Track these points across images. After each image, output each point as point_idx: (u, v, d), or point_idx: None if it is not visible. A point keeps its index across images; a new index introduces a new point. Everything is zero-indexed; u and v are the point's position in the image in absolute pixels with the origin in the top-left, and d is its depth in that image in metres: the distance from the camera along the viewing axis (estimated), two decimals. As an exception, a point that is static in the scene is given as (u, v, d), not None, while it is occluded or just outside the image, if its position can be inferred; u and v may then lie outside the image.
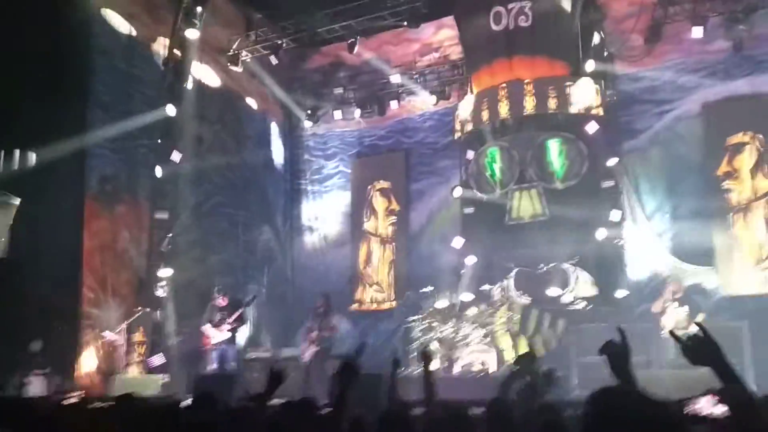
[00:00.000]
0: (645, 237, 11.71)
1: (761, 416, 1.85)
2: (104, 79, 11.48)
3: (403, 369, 7.85)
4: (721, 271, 11.00)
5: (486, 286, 11.12)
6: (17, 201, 9.74)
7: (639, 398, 1.54)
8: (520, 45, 12.20)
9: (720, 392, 1.91)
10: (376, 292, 13.95)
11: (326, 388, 9.60)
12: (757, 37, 11.12)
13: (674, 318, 9.15)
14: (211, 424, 3.25)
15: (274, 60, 13.56)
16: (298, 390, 8.62)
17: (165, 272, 11.59)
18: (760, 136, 11.20)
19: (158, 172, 11.87)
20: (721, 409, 1.93)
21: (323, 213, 15.03)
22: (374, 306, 13.88)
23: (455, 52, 13.69)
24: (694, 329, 2.24)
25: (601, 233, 11.14)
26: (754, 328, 8.89)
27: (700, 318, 9.06)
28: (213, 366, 10.28)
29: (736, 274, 10.99)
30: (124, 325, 10.61)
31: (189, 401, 5.20)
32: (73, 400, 5.30)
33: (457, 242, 12.54)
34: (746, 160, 11.33)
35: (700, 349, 2.17)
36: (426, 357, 4.17)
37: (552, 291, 10.96)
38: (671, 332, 2.30)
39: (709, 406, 2.00)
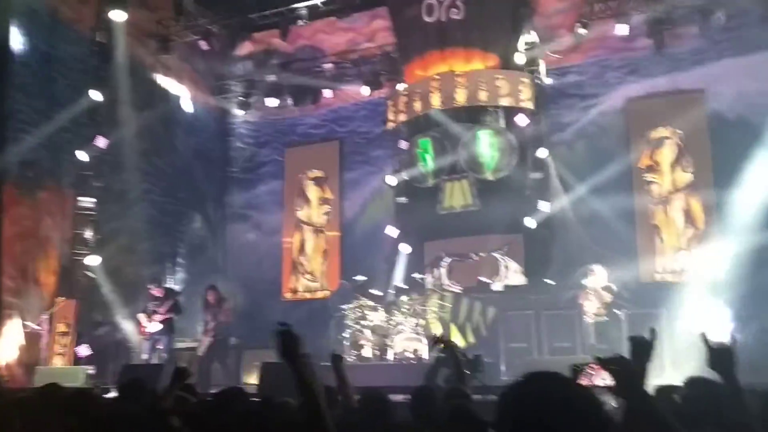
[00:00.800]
0: (571, 227, 12.07)
1: (640, 385, 2.05)
2: (25, 61, 11.01)
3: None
4: (642, 259, 11.47)
5: (418, 275, 11.26)
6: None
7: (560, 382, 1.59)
8: (453, 37, 12.39)
9: (602, 362, 2.11)
10: (309, 281, 13.93)
11: (227, 376, 9.80)
12: (678, 35, 11.61)
13: (595, 306, 9.50)
14: (134, 415, 3.20)
15: (204, 45, 13.31)
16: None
17: (91, 260, 11.26)
18: (679, 131, 11.72)
19: (83, 158, 11.48)
20: (605, 378, 2.12)
21: (256, 201, 14.89)
22: (308, 295, 13.86)
23: (389, 43, 13.75)
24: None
25: (529, 223, 11.44)
26: (672, 314, 9.32)
27: (612, 300, 9.46)
28: (144, 356, 10.09)
29: (656, 262, 11.49)
30: (46, 315, 10.25)
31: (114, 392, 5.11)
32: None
33: (391, 231, 12.66)
34: (666, 153, 11.84)
35: (722, 358, 2.42)
36: (336, 359, 4.28)
37: (482, 280, 11.19)
38: (703, 335, 2.50)
39: (595, 376, 2.20)
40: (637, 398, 2.00)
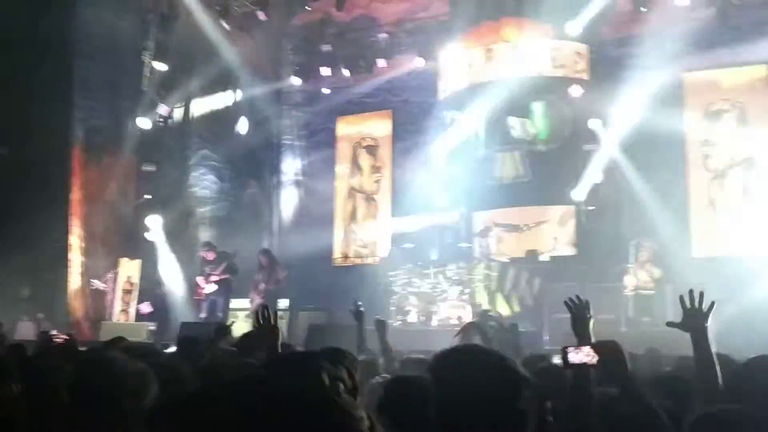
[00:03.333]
0: (624, 200, 11.97)
1: (624, 367, 2.22)
2: (90, 30, 11.45)
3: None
4: (696, 233, 11.34)
5: (465, 244, 11.40)
6: (5, 151, 9.86)
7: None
8: (508, 7, 12.31)
9: (595, 345, 2.28)
10: (360, 247, 14.23)
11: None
12: (741, 6, 11.27)
13: (637, 280, 9.48)
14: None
15: (262, 15, 13.54)
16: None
17: (152, 220, 11.70)
18: (739, 103, 11.43)
19: (145, 124, 11.93)
20: (593, 359, 2.29)
21: (309, 168, 15.21)
22: (358, 260, 14.17)
23: (443, 12, 13.73)
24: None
25: (578, 194, 11.41)
26: (722, 288, 9.23)
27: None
28: (202, 315, 10.57)
29: (710, 236, 11.34)
30: (111, 274, 10.82)
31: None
32: (60, 341, 5.51)
33: (441, 201, 12.82)
34: (725, 126, 11.57)
35: (696, 317, 2.55)
36: (379, 324, 4.48)
37: (531, 250, 11.24)
38: (689, 293, 2.64)
39: (584, 356, 2.36)
40: (619, 377, 2.17)
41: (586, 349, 2.35)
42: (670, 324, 2.65)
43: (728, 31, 11.54)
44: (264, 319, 3.15)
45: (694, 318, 2.62)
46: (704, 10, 11.45)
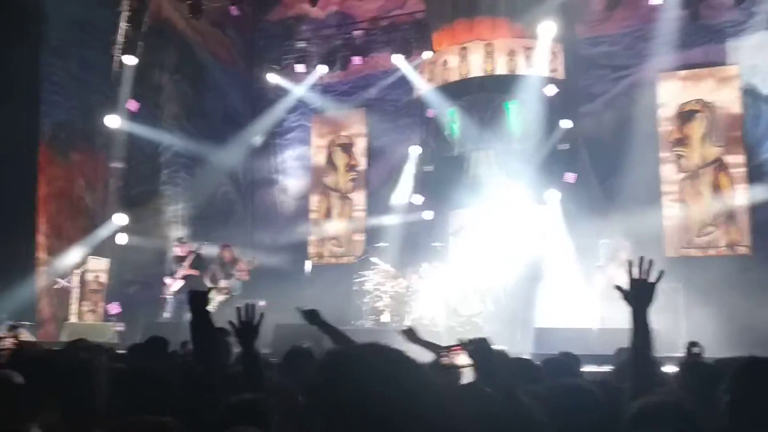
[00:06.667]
0: (596, 199, 11.99)
1: (488, 362, 2.17)
2: (57, 25, 11.21)
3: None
4: (667, 234, 11.38)
5: (439, 243, 11.34)
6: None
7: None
8: (482, 6, 12.25)
9: (464, 345, 2.20)
10: (334, 246, 14.10)
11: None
12: (713, 6, 11.36)
13: (612, 278, 9.47)
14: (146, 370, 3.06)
15: (235, 11, 13.38)
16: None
17: (120, 219, 11.46)
18: (711, 104, 11.51)
19: (114, 121, 11.68)
20: (465, 360, 2.21)
21: (283, 166, 15.05)
22: (333, 260, 14.04)
23: (419, 9, 13.67)
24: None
25: (552, 195, 11.40)
26: (689, 288, 9.29)
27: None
28: (166, 315, 10.36)
29: (681, 237, 11.39)
30: (78, 272, 10.58)
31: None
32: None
33: (416, 199, 12.76)
34: (697, 127, 11.64)
35: (641, 290, 2.38)
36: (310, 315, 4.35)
37: (504, 249, 11.20)
38: (640, 260, 2.50)
39: (456, 358, 2.30)
40: (484, 373, 2.11)
41: (457, 350, 2.28)
42: (617, 288, 2.46)
43: (701, 31, 11.62)
44: (247, 317, 2.92)
45: (638, 290, 2.39)
46: (677, 10, 11.50)
